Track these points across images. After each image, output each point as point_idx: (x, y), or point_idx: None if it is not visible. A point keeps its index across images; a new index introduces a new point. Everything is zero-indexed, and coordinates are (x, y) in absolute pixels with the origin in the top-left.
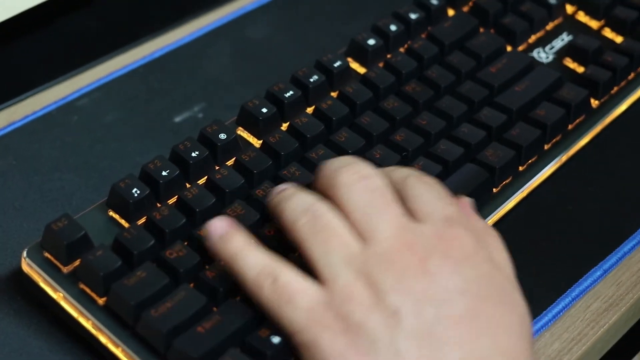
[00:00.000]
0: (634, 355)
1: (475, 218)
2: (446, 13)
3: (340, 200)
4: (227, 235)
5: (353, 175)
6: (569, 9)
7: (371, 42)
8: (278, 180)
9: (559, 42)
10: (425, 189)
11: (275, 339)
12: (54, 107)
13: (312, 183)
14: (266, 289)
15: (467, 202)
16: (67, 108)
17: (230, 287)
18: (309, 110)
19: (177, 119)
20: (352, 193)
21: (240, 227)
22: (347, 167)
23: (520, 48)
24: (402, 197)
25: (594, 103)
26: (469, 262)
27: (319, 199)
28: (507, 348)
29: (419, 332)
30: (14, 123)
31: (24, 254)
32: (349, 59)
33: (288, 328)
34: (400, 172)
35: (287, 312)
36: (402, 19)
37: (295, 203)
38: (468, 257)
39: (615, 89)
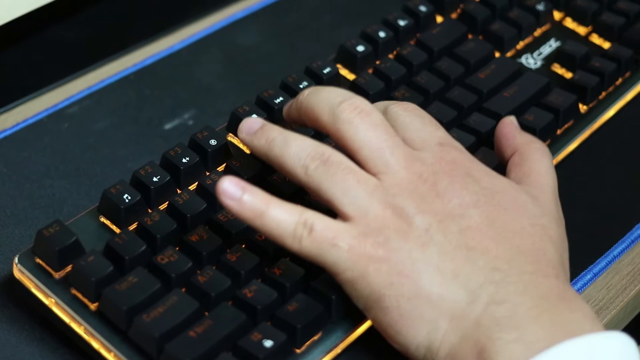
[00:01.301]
0: None
1: (514, 134)
2: (435, 20)
3: (345, 137)
4: (247, 196)
5: (354, 111)
6: (557, 15)
7: (360, 48)
8: (268, 186)
9: (547, 49)
10: (412, 118)
11: (268, 343)
12: (44, 114)
13: (289, 113)
14: (305, 239)
15: (508, 121)
16: (58, 116)
17: (221, 292)
18: None
19: (168, 126)
20: (357, 130)
21: (252, 185)
22: (345, 103)
23: (509, 54)
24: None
25: (582, 108)
26: (471, 177)
27: (315, 141)
28: (525, 248)
29: (449, 246)
30: (4, 131)
31: (16, 260)
32: (339, 66)
33: (334, 269)
34: (379, 104)
35: (330, 256)
36: (390, 26)
37: (294, 149)
38: (469, 173)
39: (604, 94)
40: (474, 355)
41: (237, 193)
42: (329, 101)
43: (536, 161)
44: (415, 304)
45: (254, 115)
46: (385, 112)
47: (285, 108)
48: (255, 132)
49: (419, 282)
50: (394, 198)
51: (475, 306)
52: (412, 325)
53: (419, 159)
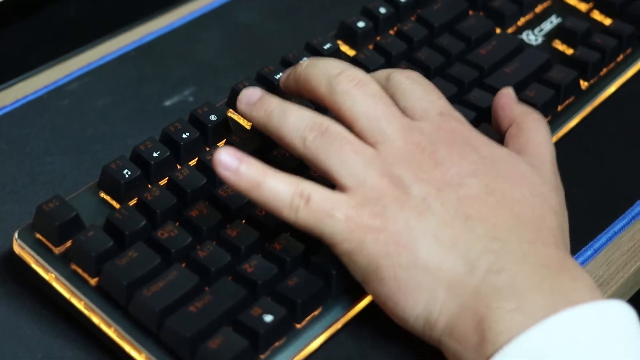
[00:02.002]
0: None
1: (511, 105)
2: None
3: (342, 108)
4: (244, 166)
5: (350, 83)
6: None
7: (361, 24)
8: (268, 161)
9: (548, 25)
10: (413, 86)
11: (268, 317)
12: (44, 91)
13: (287, 84)
14: (301, 210)
15: (506, 92)
16: (58, 92)
17: (221, 267)
18: None
19: (168, 103)
20: (354, 101)
21: (248, 156)
22: (342, 74)
23: (510, 30)
24: (391, 95)
25: (583, 84)
26: (470, 146)
27: (314, 112)
28: (525, 216)
29: (447, 214)
30: (4, 107)
31: (16, 235)
32: (339, 42)
33: (330, 240)
34: (382, 72)
35: (327, 226)
36: (391, 2)
37: (292, 121)
38: (468, 142)
39: (605, 70)
40: (473, 325)
41: (233, 164)
42: (326, 73)
43: (533, 131)
44: (412, 273)
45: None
46: (388, 79)
47: (283, 78)
48: (255, 103)
49: (416, 252)
50: (391, 167)
51: (474, 275)
52: (410, 296)
53: (417, 129)
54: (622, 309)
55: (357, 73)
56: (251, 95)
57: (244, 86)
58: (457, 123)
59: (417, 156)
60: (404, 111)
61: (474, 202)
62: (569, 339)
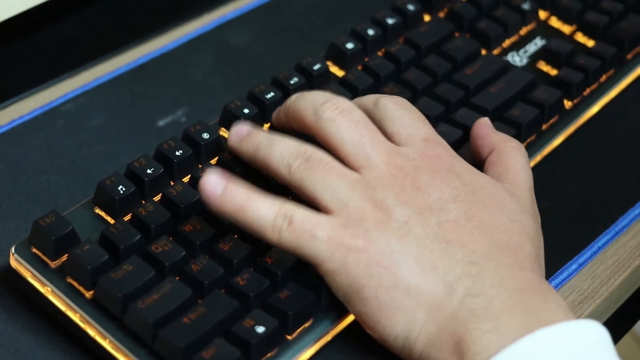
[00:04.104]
0: None
1: (490, 134)
2: (422, 18)
3: (327, 135)
4: (228, 190)
5: (335, 110)
6: (542, 14)
7: (350, 45)
8: (258, 180)
9: (533, 47)
10: (400, 112)
11: (260, 329)
12: (40, 111)
13: (279, 119)
14: (284, 231)
15: (483, 122)
16: (53, 113)
17: (214, 279)
18: None
19: (161, 123)
20: (339, 127)
21: (235, 177)
22: (327, 103)
23: (495, 52)
24: (378, 120)
25: (567, 104)
26: (452, 173)
27: (299, 141)
28: (504, 243)
29: (427, 238)
30: (0, 127)
31: (12, 249)
32: (329, 63)
33: (314, 260)
34: (370, 97)
35: (310, 246)
36: (379, 24)
37: (279, 150)
38: (451, 169)
39: (588, 90)
40: (452, 346)
41: (217, 188)
42: (312, 102)
43: (512, 159)
44: (393, 294)
45: (242, 121)
46: (376, 104)
47: (275, 114)
48: (244, 137)
49: (397, 273)
50: (374, 191)
51: (453, 298)
52: (391, 316)
53: (400, 154)
54: (594, 327)
55: (342, 102)
56: (240, 131)
57: (236, 106)
58: (441, 149)
59: (400, 180)
60: (390, 136)
61: (454, 227)
62: (544, 356)
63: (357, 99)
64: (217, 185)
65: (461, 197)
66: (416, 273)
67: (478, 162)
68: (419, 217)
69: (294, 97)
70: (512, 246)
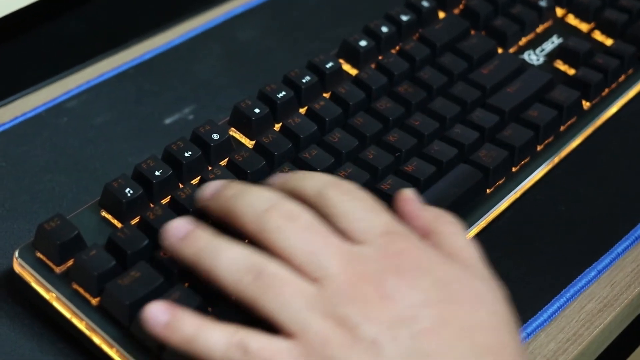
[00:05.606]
0: (628, 355)
1: (418, 213)
2: (437, 15)
3: (275, 246)
4: (175, 321)
5: (280, 218)
6: (559, 11)
7: (363, 43)
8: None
9: (550, 45)
10: (351, 204)
11: None
12: (43, 108)
13: (208, 206)
14: None
15: (407, 197)
16: (57, 110)
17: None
18: (302, 110)
19: (168, 121)
20: (287, 236)
21: (180, 308)
22: (271, 210)
23: (511, 50)
24: (325, 216)
25: (586, 105)
26: (420, 270)
27: (251, 249)
28: (487, 344)
29: (401, 354)
30: (3, 125)
31: (16, 254)
32: (341, 60)
33: None
34: (314, 184)
35: None
36: (393, 21)
37: (225, 262)
38: (418, 265)
39: (607, 90)
40: None
41: (162, 318)
42: (254, 208)
43: (453, 236)
44: None
45: (181, 217)
46: (319, 196)
47: (204, 197)
48: (182, 238)
49: None
50: (335, 307)
51: None
52: None
53: (359, 258)
54: None
55: (287, 205)
56: (179, 229)
57: (247, 105)
58: (403, 242)
59: (363, 290)
60: (343, 233)
61: (430, 336)
62: None
63: (297, 178)
64: (160, 315)
65: (433, 299)
66: None
67: None
68: (389, 332)
69: (230, 192)
70: (496, 346)
